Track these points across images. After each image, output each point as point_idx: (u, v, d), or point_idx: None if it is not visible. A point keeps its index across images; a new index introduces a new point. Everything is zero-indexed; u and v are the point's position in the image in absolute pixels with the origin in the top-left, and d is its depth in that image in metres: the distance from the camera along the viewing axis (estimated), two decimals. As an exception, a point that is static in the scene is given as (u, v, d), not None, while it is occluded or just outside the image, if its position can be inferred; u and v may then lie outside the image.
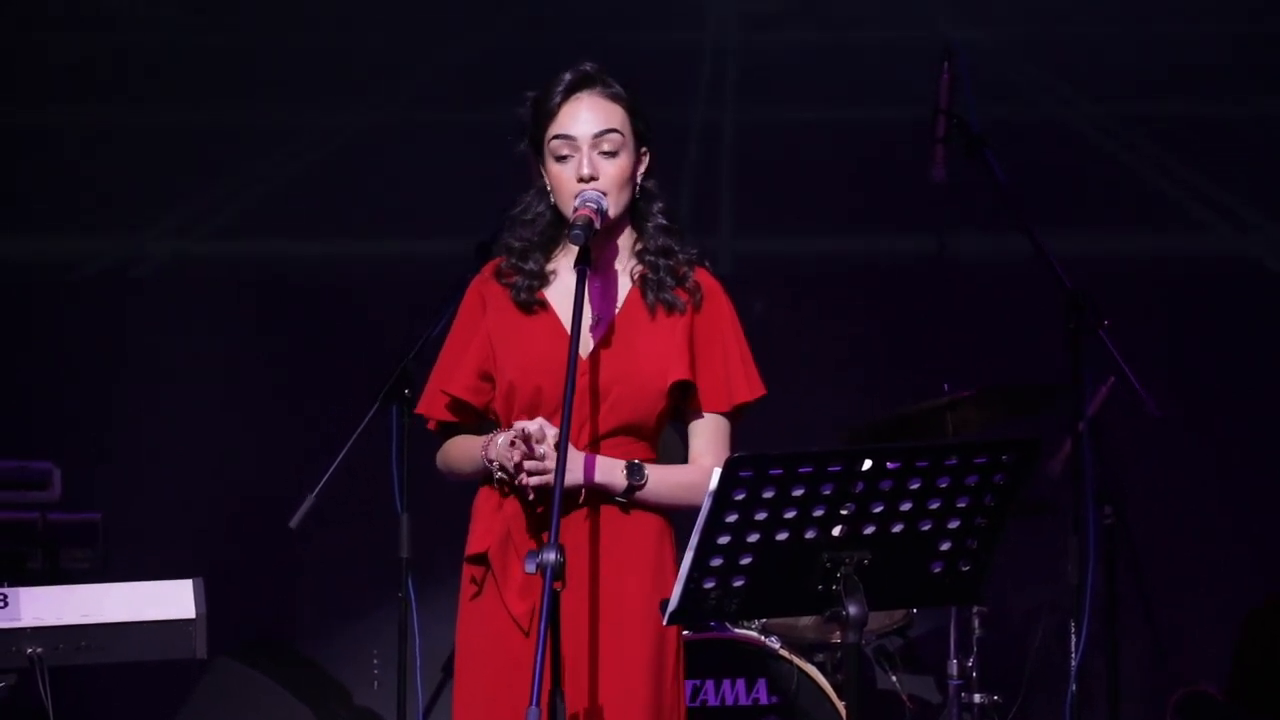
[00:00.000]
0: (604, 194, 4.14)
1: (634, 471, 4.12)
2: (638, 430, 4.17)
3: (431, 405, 4.31)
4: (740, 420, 4.27)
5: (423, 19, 7.92)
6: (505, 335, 4.21)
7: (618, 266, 4.25)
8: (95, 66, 7.89)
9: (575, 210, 4.11)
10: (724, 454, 4.17)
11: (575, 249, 4.11)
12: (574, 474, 4.06)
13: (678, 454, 4.29)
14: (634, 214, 4.25)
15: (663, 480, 4.14)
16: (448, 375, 4.28)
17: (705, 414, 4.23)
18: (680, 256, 4.22)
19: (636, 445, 4.17)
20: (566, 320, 4.11)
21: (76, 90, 7.90)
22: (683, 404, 4.22)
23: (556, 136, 4.19)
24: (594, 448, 4.14)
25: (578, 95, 4.20)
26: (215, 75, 7.88)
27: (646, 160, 4.25)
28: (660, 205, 4.25)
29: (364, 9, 7.96)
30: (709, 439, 4.23)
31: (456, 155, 7.73)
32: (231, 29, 7.90)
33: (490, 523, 4.18)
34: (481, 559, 4.17)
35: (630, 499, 4.13)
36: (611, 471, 4.12)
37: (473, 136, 7.65)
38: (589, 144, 4.17)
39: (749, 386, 4.22)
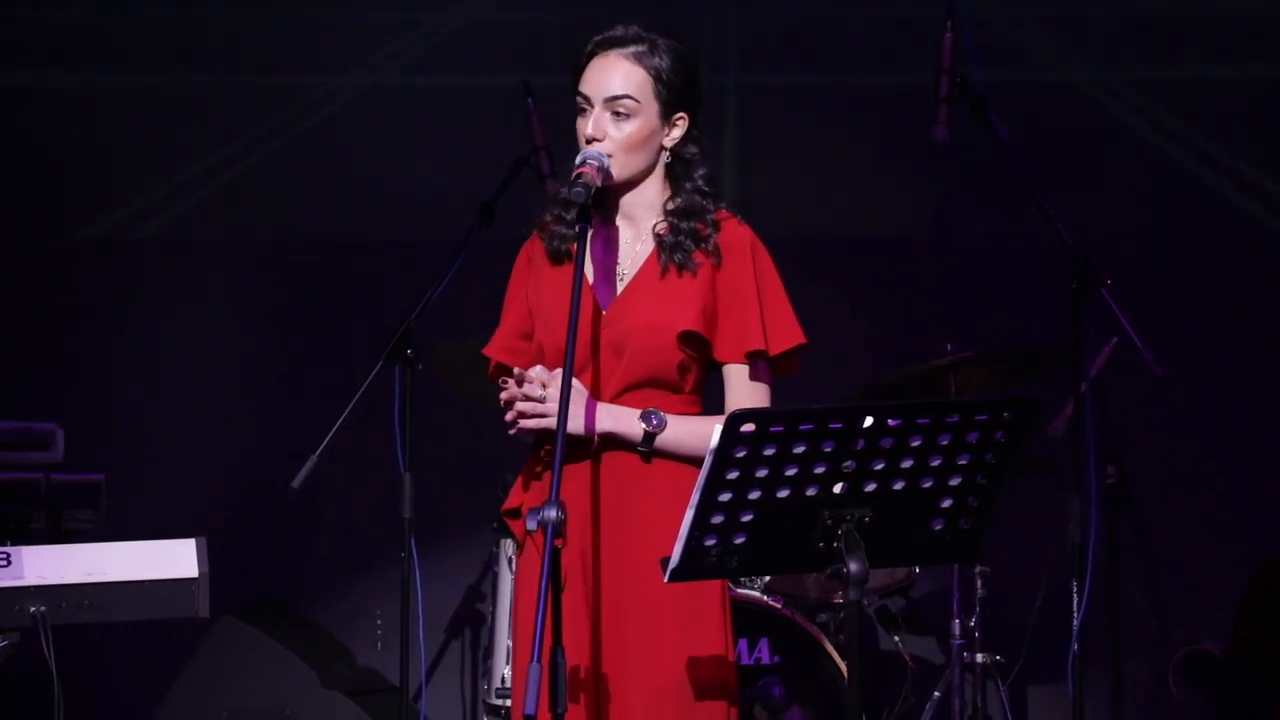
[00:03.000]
0: (609, 155, 4.15)
1: (649, 418, 4.11)
2: (661, 383, 4.16)
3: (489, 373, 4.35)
4: (787, 370, 4.24)
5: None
6: (538, 293, 4.24)
7: (645, 222, 4.25)
8: (96, 29, 7.88)
9: (576, 166, 4.13)
10: (749, 403, 4.16)
11: (615, 204, 4.21)
12: (585, 421, 4.08)
13: None
14: (670, 175, 4.24)
15: (682, 429, 4.11)
16: (492, 339, 4.33)
17: (726, 365, 4.22)
18: (708, 217, 4.21)
19: (665, 398, 4.16)
20: (592, 274, 4.19)
21: (78, 53, 7.89)
22: (710, 357, 4.21)
23: (578, 93, 4.21)
24: (618, 400, 4.15)
25: (603, 54, 4.20)
26: (215, 40, 7.87)
27: (681, 126, 4.22)
28: (702, 172, 4.24)
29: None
30: (734, 390, 4.21)
31: (458, 117, 7.73)
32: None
33: (527, 478, 4.23)
34: (515, 514, 4.21)
35: (650, 448, 4.13)
36: (626, 419, 4.12)
37: (474, 99, 7.65)
38: (600, 105, 4.18)
39: (768, 335, 4.19)
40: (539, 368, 4.09)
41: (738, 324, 4.19)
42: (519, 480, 4.25)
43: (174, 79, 7.84)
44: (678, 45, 4.22)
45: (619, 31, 4.22)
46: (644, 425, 4.11)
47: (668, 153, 4.23)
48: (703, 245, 4.20)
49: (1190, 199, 7.76)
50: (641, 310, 4.17)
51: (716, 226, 4.21)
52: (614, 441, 4.13)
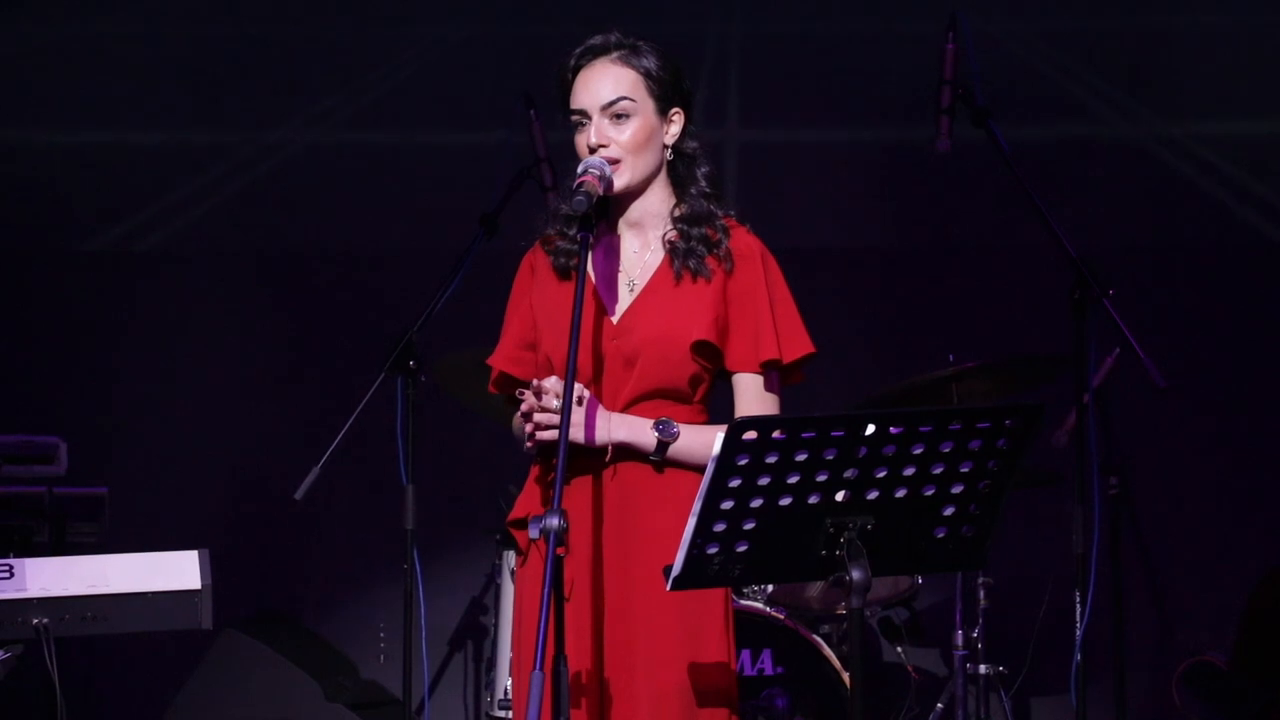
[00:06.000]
0: (615, 161, 4.16)
1: (663, 428, 4.11)
2: (672, 393, 4.16)
3: (491, 381, 4.35)
4: (793, 380, 4.24)
5: (420, 1, 7.93)
6: (543, 304, 4.24)
7: (653, 231, 4.25)
8: (96, 45, 7.89)
9: (578, 176, 4.13)
10: (761, 412, 4.16)
11: (618, 218, 4.21)
12: (599, 432, 4.08)
13: None
14: (674, 178, 4.26)
15: (695, 438, 4.12)
16: (496, 349, 4.32)
17: (738, 374, 4.21)
18: (717, 223, 4.22)
19: (675, 408, 4.16)
20: (598, 285, 4.19)
21: (84, 64, 7.90)
22: (722, 367, 4.22)
23: (572, 111, 4.21)
24: (629, 411, 4.14)
25: (589, 66, 4.22)
26: (221, 53, 7.89)
27: (678, 121, 4.24)
28: (704, 170, 4.25)
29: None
30: (746, 400, 4.21)
31: (459, 131, 7.74)
32: (236, 11, 7.91)
33: (533, 489, 4.22)
34: (521, 524, 4.20)
35: (663, 457, 4.13)
36: (639, 429, 4.12)
37: (475, 112, 7.66)
38: (598, 113, 4.18)
39: (781, 344, 4.19)
40: (554, 379, 4.07)
41: (751, 333, 4.19)
42: (526, 489, 4.25)
43: (177, 92, 7.85)
44: (656, 44, 4.25)
45: (598, 40, 4.24)
46: (658, 434, 4.11)
47: (670, 150, 4.24)
48: (715, 250, 4.20)
49: (1192, 208, 7.76)
50: (654, 320, 4.17)
51: (726, 232, 4.22)
52: (626, 451, 4.13)
